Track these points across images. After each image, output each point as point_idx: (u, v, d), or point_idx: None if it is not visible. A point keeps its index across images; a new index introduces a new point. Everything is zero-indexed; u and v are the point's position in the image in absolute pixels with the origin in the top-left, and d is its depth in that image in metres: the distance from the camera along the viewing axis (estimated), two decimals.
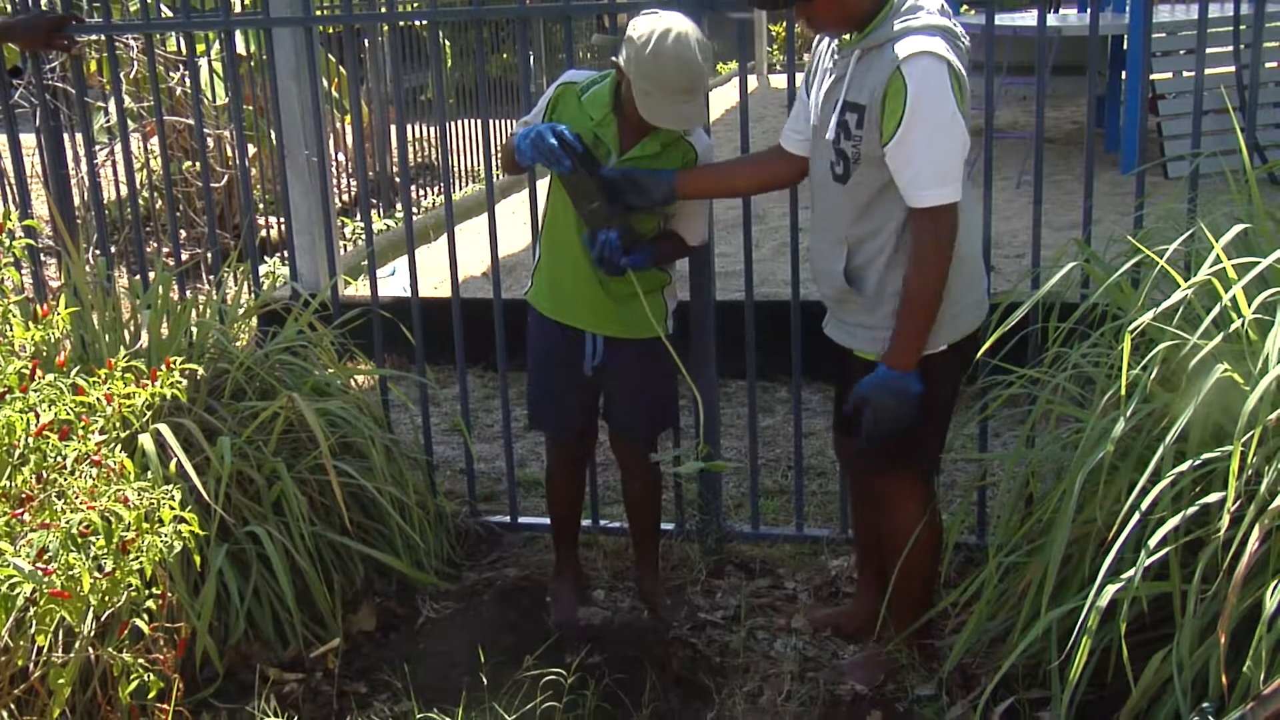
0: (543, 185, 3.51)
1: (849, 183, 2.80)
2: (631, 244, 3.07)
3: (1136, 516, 2.45)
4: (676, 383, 3.38)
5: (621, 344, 3.28)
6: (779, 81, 13.90)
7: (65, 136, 5.15)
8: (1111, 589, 2.45)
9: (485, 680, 2.99)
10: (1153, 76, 7.51)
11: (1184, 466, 2.46)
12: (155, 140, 6.93)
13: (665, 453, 3.45)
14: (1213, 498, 2.41)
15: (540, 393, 3.43)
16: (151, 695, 2.56)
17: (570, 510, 3.61)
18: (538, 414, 3.50)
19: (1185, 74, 7.85)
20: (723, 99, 11.44)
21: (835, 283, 2.89)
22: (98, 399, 2.57)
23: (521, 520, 4.05)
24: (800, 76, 3.09)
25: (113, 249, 5.33)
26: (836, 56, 2.82)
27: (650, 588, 3.54)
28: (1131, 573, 2.44)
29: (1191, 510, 2.43)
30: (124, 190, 6.71)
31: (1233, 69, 7.09)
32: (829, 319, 3.07)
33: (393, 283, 6.36)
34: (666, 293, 3.31)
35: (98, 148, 6.11)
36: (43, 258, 5.02)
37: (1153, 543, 2.42)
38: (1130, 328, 2.60)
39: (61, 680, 2.52)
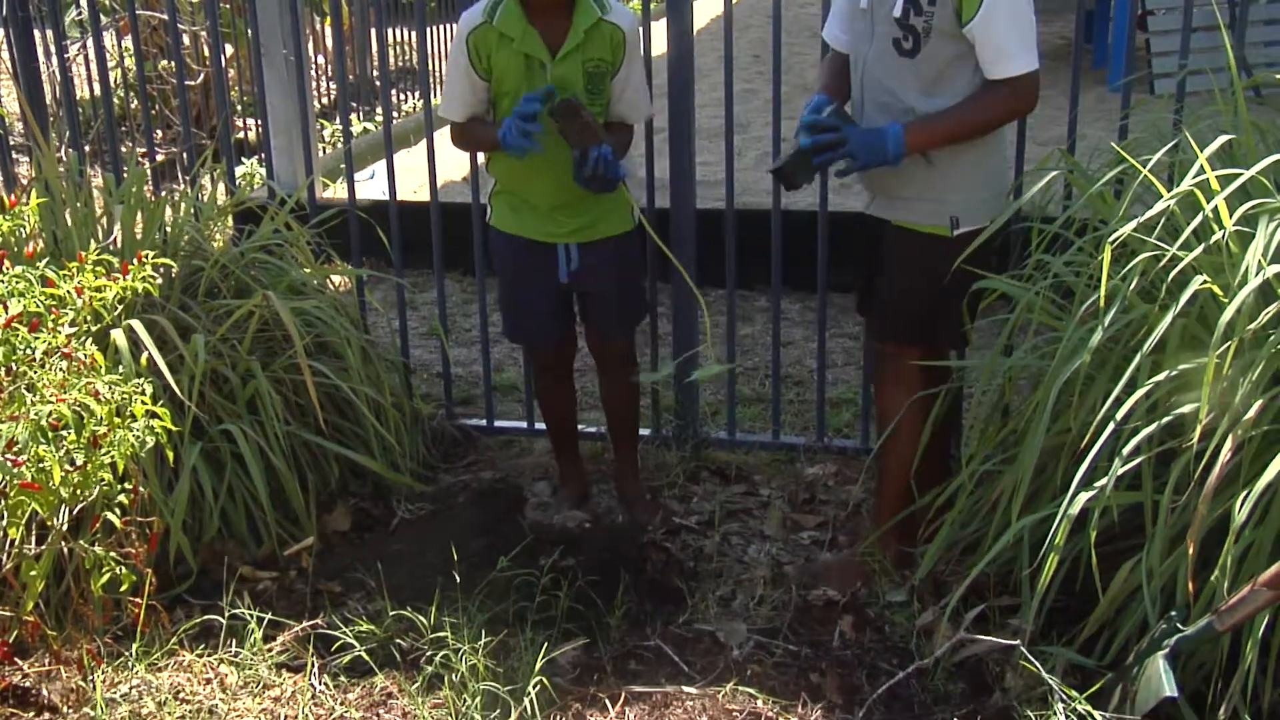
0: None
1: (918, 56, 2.84)
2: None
3: (1111, 426, 2.46)
4: (644, 274, 3.47)
5: (595, 246, 3.27)
6: None
7: (35, 30, 5.04)
8: (1084, 497, 2.47)
9: (459, 580, 3.00)
10: None
11: (1160, 377, 2.46)
12: (129, 38, 6.80)
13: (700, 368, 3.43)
14: (1187, 408, 2.42)
15: (515, 307, 3.43)
16: (124, 588, 2.57)
17: (565, 419, 3.63)
18: (515, 328, 3.51)
19: None
20: (708, 8, 11.28)
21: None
22: (68, 291, 2.55)
23: (497, 424, 4.05)
24: None
25: (85, 147, 5.24)
26: None
27: (630, 489, 3.57)
28: (1104, 481, 2.45)
29: (1166, 420, 2.44)
30: (97, 88, 6.59)
31: None
32: (874, 200, 3.07)
33: (371, 186, 6.29)
34: (630, 184, 3.29)
35: (69, 42, 5.98)
36: (14, 155, 4.94)
37: (1126, 452, 2.43)
38: (1111, 238, 2.59)
39: (34, 572, 2.53)
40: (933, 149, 2.88)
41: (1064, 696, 2.43)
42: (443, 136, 3.50)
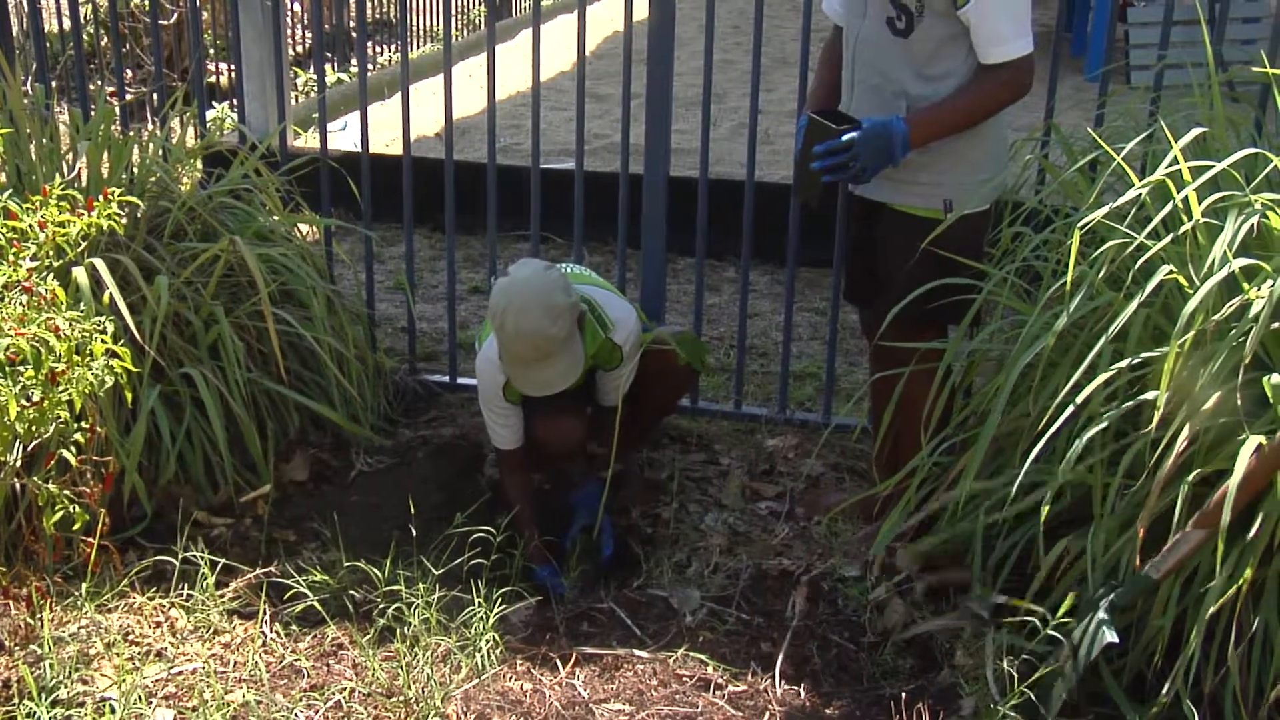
0: (501, 50, 3.41)
1: (911, 36, 2.82)
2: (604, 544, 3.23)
3: (1069, 410, 2.48)
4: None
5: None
6: None
7: None
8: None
9: (415, 534, 3.00)
10: None
11: (1121, 365, 2.48)
12: None
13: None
14: (1146, 396, 2.44)
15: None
16: (76, 528, 2.55)
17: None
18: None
19: None
20: None
21: None
22: (30, 225, 2.51)
23: (460, 381, 4.03)
24: None
25: (53, 83, 5.16)
26: None
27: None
28: (1061, 465, 2.47)
29: (1125, 406, 2.46)
30: (66, 22, 6.47)
31: None
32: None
33: (343, 137, 6.23)
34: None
35: None
36: None
37: (1084, 436, 2.45)
38: (1080, 224, 2.60)
39: None
40: (935, 142, 2.86)
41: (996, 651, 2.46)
42: (417, 92, 3.47)
